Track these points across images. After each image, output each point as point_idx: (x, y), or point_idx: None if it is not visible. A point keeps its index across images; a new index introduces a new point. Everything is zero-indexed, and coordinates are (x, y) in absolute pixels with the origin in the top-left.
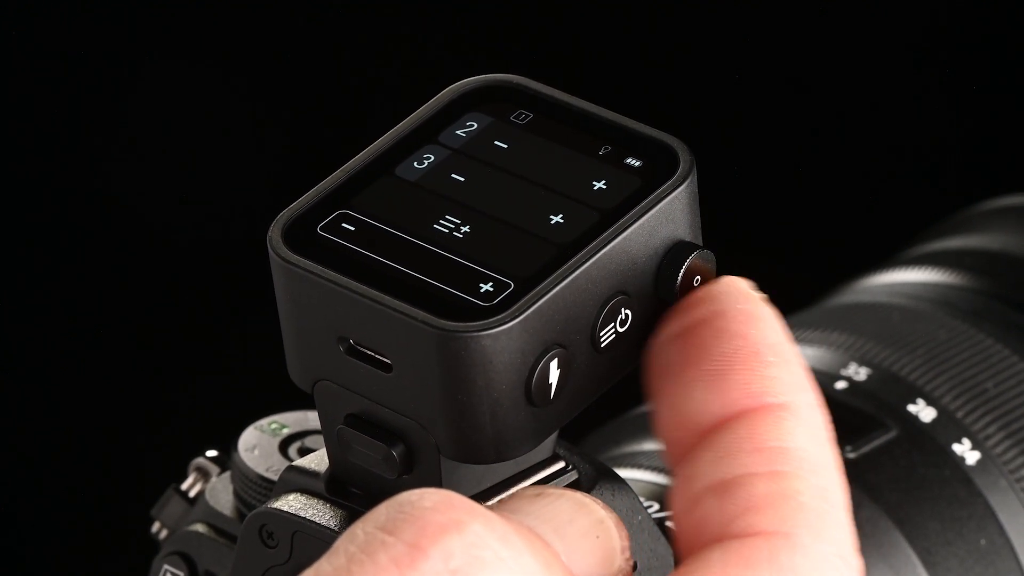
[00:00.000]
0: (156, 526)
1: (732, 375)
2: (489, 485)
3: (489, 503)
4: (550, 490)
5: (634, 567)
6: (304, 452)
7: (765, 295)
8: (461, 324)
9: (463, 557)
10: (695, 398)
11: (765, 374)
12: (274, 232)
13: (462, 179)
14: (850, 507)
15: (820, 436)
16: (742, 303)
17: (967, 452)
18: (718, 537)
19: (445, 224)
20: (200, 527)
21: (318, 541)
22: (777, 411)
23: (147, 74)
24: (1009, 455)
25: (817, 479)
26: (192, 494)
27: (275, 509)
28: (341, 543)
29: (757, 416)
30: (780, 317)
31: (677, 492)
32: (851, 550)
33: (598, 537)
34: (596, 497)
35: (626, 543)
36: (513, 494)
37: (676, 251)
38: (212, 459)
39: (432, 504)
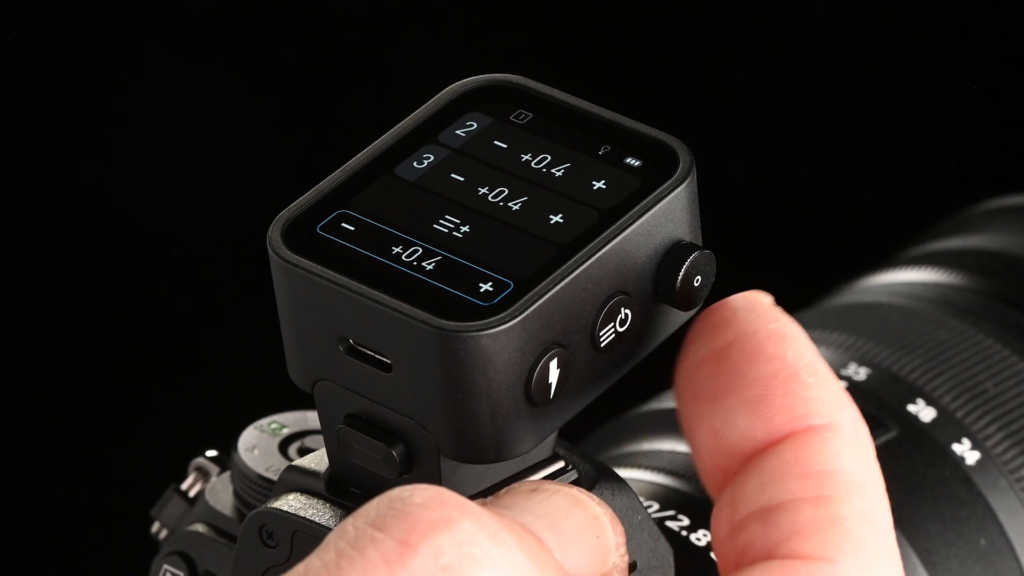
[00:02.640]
0: (156, 526)
1: (774, 399)
2: (489, 484)
3: (484, 498)
4: (546, 485)
5: (633, 566)
6: (304, 452)
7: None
8: (461, 324)
9: (453, 554)
10: (737, 425)
11: (807, 396)
12: (274, 232)
13: (462, 179)
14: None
15: (865, 454)
16: (771, 322)
17: (967, 452)
18: (762, 560)
19: (445, 224)
20: (200, 527)
21: (318, 541)
22: (822, 432)
23: (146, 74)
24: (1009, 455)
25: (862, 502)
26: (192, 494)
27: (275, 509)
28: (332, 538)
29: (802, 439)
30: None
31: (720, 517)
32: (896, 574)
33: (593, 533)
34: (594, 495)
35: (621, 539)
36: (509, 489)
37: (676, 251)
38: (212, 459)
39: (423, 501)
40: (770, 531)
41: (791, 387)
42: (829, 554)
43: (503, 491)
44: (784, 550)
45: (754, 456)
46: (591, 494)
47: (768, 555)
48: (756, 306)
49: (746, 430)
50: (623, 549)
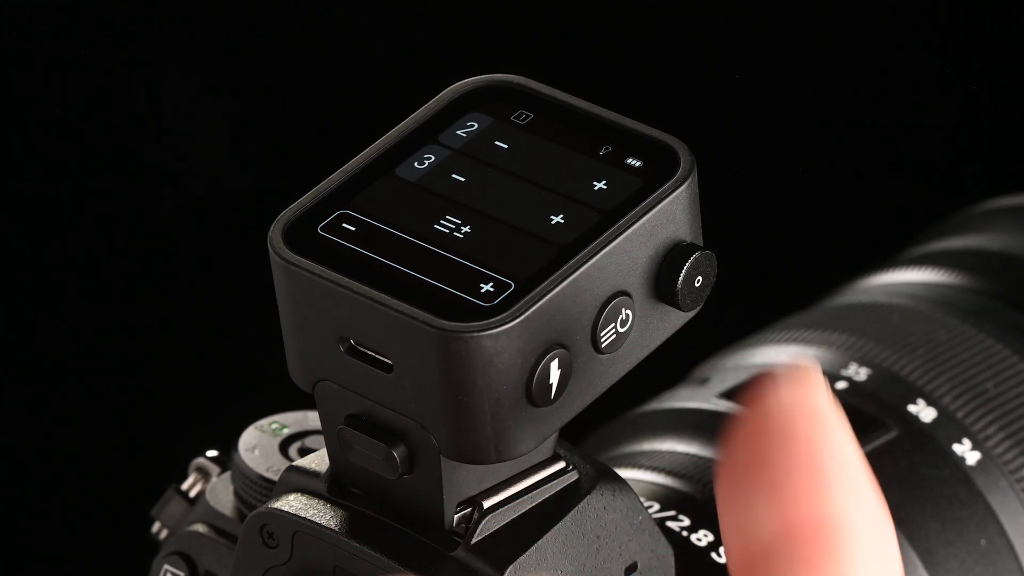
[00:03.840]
0: (156, 526)
1: (793, 493)
2: (489, 485)
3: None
4: None
5: (634, 567)
6: (304, 452)
7: (833, 396)
8: (462, 324)
9: None
10: (757, 512)
11: (827, 494)
12: (274, 232)
13: (462, 179)
14: None
15: (881, 557)
16: (814, 421)
17: (967, 452)
18: None
19: (446, 224)
20: (200, 527)
21: (318, 541)
22: (837, 533)
23: (147, 74)
24: (1009, 455)
25: None
26: (192, 494)
27: (276, 509)
28: None
29: (816, 540)
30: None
31: None
32: None
33: None
34: (595, 497)
35: None
36: None
37: (677, 252)
38: (212, 459)
39: None
40: None
41: (813, 483)
42: None
43: None
44: None
45: (770, 552)
46: None
47: None
48: (804, 399)
49: (764, 519)
50: None
